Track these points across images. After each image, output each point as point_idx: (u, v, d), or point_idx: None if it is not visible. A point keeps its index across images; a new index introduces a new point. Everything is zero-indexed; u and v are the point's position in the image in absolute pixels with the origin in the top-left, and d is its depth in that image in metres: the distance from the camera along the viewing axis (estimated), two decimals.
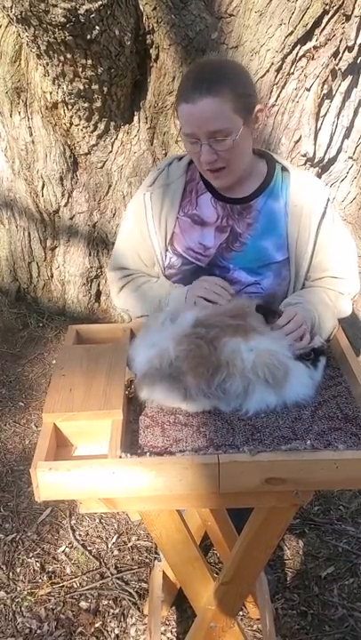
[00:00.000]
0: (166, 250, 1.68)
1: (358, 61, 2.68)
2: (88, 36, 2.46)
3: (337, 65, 2.62)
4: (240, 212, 1.65)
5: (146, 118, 3.01)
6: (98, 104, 2.87)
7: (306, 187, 1.64)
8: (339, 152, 2.94)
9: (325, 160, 2.90)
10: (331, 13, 2.46)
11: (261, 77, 2.64)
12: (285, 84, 2.68)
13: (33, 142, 3.23)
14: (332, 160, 2.94)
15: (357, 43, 2.57)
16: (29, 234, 3.57)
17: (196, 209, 1.67)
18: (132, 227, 1.73)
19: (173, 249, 1.68)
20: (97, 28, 2.44)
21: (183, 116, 1.51)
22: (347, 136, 2.92)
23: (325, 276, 1.67)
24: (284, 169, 1.68)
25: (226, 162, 1.54)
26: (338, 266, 1.67)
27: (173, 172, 1.69)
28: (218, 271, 1.66)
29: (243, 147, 1.56)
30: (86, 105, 2.89)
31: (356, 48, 2.58)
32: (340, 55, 2.60)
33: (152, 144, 3.07)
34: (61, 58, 2.59)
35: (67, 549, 2.30)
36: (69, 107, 2.95)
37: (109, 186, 3.26)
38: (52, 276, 3.66)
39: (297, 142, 2.79)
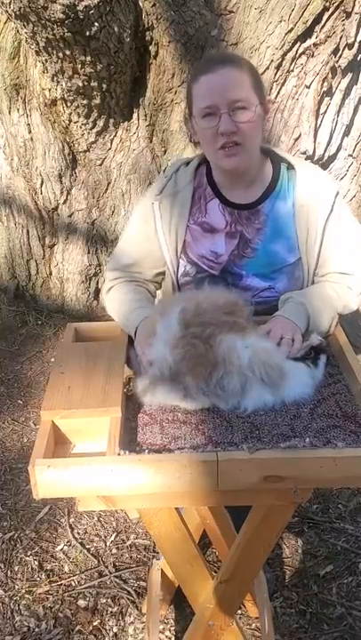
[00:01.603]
0: (178, 258, 1.67)
1: (358, 59, 2.67)
2: (87, 33, 2.45)
3: (337, 62, 2.62)
4: (248, 217, 1.64)
5: (145, 115, 3.00)
6: (97, 101, 2.86)
7: (312, 184, 1.62)
8: (338, 150, 2.93)
9: (325, 158, 2.89)
10: (331, 10, 2.45)
11: (261, 74, 2.61)
12: (285, 81, 2.67)
13: (32, 139, 3.22)
14: (332, 158, 2.94)
15: (357, 40, 2.56)
16: (28, 231, 3.56)
17: (205, 216, 1.66)
18: (138, 231, 1.70)
19: (187, 257, 1.67)
20: (96, 24, 2.44)
21: (202, 88, 1.50)
22: (346, 134, 2.91)
23: (332, 271, 1.65)
24: (290, 167, 1.66)
25: (243, 137, 1.51)
26: (345, 261, 1.64)
27: (181, 179, 1.67)
28: (230, 279, 1.64)
29: (258, 127, 1.55)
30: (85, 102, 2.88)
31: (356, 45, 2.57)
32: (341, 52, 2.59)
33: (151, 141, 3.06)
34: (60, 54, 2.58)
35: (65, 547, 2.29)
36: (68, 104, 2.94)
37: (108, 183, 3.26)
38: (50, 274, 3.66)
39: (296, 140, 2.78)
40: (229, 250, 1.64)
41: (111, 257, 1.80)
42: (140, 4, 2.69)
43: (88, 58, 2.60)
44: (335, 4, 2.43)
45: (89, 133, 3.09)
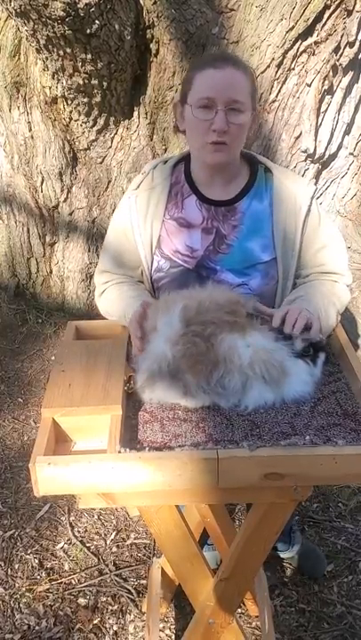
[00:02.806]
0: (153, 254, 1.68)
1: (359, 57, 2.67)
2: (88, 31, 2.45)
3: (338, 60, 2.61)
4: (225, 214, 1.66)
5: (146, 113, 3.00)
6: (97, 99, 2.86)
7: (289, 186, 1.65)
8: (339, 148, 2.93)
9: (326, 156, 2.89)
10: (332, 8, 2.45)
11: (262, 73, 2.63)
12: (286, 79, 2.67)
13: (32, 137, 3.22)
14: (333, 156, 2.94)
15: (359, 38, 2.55)
16: (28, 229, 3.56)
17: (182, 212, 1.67)
18: (117, 229, 1.73)
19: (161, 252, 1.68)
20: (97, 22, 2.43)
21: (205, 80, 1.52)
22: (347, 132, 2.91)
23: (316, 271, 1.67)
24: (267, 170, 1.69)
25: (231, 139, 1.54)
26: (328, 261, 1.67)
27: (158, 175, 1.69)
28: (205, 273, 1.66)
29: (246, 131, 1.59)
30: (86, 100, 2.88)
31: (357, 43, 2.57)
32: (341, 51, 2.59)
33: (152, 139, 3.06)
34: (61, 52, 2.58)
35: (65, 546, 2.29)
36: (69, 102, 2.94)
37: (109, 181, 3.25)
38: (51, 272, 3.66)
39: (297, 138, 2.78)
40: (205, 245, 1.66)
41: (100, 257, 1.81)
42: (141, 1, 2.69)
43: (89, 56, 2.59)
44: (336, 3, 2.43)
45: (89, 131, 3.08)
